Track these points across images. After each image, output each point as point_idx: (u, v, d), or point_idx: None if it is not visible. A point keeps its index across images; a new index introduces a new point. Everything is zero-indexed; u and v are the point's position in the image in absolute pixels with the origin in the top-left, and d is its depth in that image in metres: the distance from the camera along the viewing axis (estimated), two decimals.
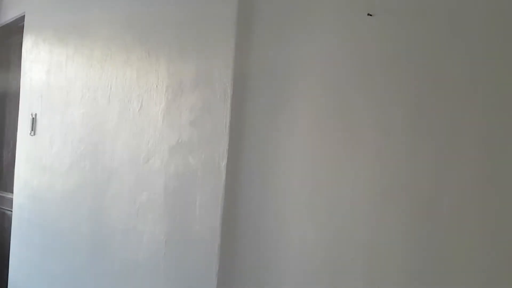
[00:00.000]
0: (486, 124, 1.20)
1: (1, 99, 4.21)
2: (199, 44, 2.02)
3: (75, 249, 2.78)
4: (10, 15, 3.88)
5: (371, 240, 1.41)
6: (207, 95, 1.95)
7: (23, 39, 3.59)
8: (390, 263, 1.37)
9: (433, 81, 1.31)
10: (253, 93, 1.82)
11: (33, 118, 3.36)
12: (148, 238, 2.22)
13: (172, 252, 2.09)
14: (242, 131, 1.84)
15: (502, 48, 1.19)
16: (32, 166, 3.36)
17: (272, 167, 1.73)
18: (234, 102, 1.84)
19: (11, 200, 3.67)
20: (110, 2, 2.63)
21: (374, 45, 1.45)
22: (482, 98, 1.22)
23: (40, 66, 3.32)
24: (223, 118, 1.86)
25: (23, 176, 3.49)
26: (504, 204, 1.16)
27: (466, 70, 1.25)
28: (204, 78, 1.97)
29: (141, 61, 2.34)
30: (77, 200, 2.79)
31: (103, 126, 2.59)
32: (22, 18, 3.65)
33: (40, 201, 3.20)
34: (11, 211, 3.63)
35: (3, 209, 3.96)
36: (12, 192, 3.67)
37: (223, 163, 1.85)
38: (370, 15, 1.45)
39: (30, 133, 3.38)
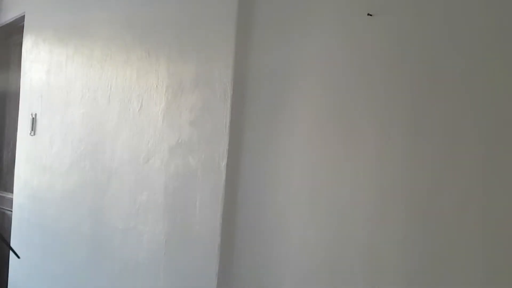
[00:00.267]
0: (486, 124, 1.20)
1: (1, 99, 4.20)
2: (199, 44, 2.02)
3: (75, 249, 2.78)
4: (10, 15, 3.88)
5: (371, 240, 1.41)
6: (207, 95, 1.95)
7: (23, 39, 3.59)
8: (390, 263, 1.37)
9: (433, 81, 1.31)
10: (253, 93, 1.82)
11: (33, 118, 3.35)
12: (148, 238, 2.22)
13: (172, 252, 2.09)
14: (242, 131, 1.84)
15: (502, 48, 1.19)
16: (32, 166, 3.36)
17: (272, 167, 1.73)
18: (234, 102, 1.84)
19: (11, 200, 3.67)
20: (110, 2, 2.63)
21: (374, 45, 1.45)
22: (482, 98, 1.22)
23: (40, 66, 3.32)
24: (223, 118, 1.86)
25: (23, 176, 3.48)
26: (504, 204, 1.16)
27: (466, 70, 1.25)
28: (204, 78, 1.97)
29: (141, 61, 2.34)
30: (77, 200, 2.79)
31: (103, 126, 2.59)
32: (22, 18, 3.65)
33: (40, 201, 3.20)
34: (11, 211, 3.63)
35: (3, 209, 3.96)
36: (12, 192, 3.67)
37: (223, 163, 1.85)
38: (370, 15, 1.45)
39: (30, 133, 3.37)
